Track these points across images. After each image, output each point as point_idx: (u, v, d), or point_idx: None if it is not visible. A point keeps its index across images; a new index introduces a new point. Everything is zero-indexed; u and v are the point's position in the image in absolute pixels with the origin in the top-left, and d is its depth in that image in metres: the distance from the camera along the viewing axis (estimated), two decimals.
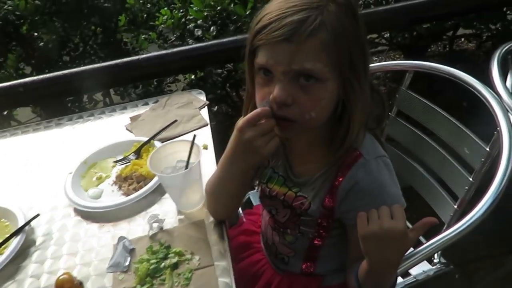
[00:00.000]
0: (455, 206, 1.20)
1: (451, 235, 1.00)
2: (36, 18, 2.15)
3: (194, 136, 0.99)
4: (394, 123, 1.42)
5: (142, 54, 1.91)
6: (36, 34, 2.46)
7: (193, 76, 2.24)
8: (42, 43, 2.44)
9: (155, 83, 2.24)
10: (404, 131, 1.39)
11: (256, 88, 0.84)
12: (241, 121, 0.81)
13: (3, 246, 1.04)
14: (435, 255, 1.28)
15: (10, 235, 1.05)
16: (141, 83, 2.23)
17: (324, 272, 1.01)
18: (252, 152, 0.81)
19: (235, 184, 0.92)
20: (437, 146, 1.27)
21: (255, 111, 0.80)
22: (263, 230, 1.12)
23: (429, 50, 3.03)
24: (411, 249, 1.27)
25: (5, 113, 2.29)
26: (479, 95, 1.15)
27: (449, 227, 1.18)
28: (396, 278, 0.93)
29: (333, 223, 0.93)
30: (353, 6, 0.79)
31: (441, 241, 1.00)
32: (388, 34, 2.73)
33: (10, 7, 1.96)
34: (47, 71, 2.40)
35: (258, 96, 0.83)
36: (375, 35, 2.69)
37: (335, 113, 0.83)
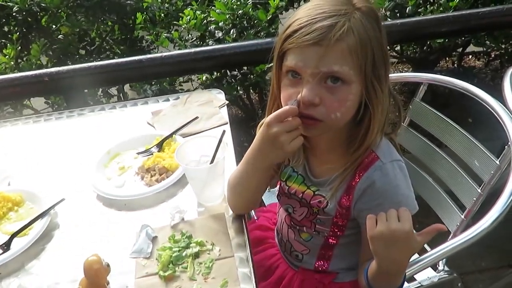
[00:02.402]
0: (462, 216, 1.24)
1: (456, 244, 1.04)
2: (59, 11, 2.19)
3: (224, 131, 1.04)
4: (406, 133, 1.47)
5: (159, 52, 1.97)
6: (54, 26, 2.52)
7: (205, 77, 2.29)
8: (61, 35, 2.48)
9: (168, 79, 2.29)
10: (415, 141, 1.43)
11: (282, 90, 0.89)
12: (269, 117, 0.85)
13: (28, 228, 1.08)
14: (440, 263, 1.32)
15: (35, 218, 1.09)
16: (155, 81, 2.28)
17: (337, 270, 1.05)
18: (277, 147, 0.86)
19: (257, 179, 0.96)
20: (447, 157, 1.31)
21: (283, 108, 0.85)
22: (278, 227, 1.17)
23: (438, 65, 3.08)
24: (417, 255, 1.32)
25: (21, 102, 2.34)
26: (491, 110, 1.20)
27: (454, 236, 1.23)
28: (404, 280, 0.97)
29: (348, 223, 0.97)
30: (377, 15, 0.86)
31: (446, 249, 1.04)
32: (399, 47, 2.78)
33: None
34: (63, 63, 2.45)
35: (284, 96, 0.88)
36: None
37: (357, 116, 0.88)
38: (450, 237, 1.25)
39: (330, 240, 1.02)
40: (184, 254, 0.96)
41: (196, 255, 0.96)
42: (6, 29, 2.46)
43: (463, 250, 1.03)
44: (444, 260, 1.31)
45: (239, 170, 0.99)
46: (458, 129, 1.28)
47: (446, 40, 2.23)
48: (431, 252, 1.06)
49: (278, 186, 1.09)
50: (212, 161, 1.02)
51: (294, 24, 0.83)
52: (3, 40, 2.25)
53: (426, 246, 1.40)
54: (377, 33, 0.83)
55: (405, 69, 3.33)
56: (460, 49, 2.82)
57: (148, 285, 0.91)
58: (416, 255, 1.34)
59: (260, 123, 0.90)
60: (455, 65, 3.03)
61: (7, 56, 1.91)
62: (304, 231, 1.05)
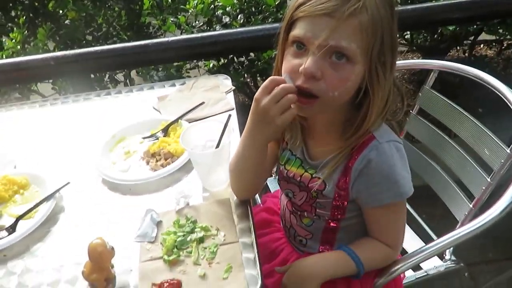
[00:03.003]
0: (471, 206, 1.22)
1: (463, 233, 1.02)
2: None
3: (229, 116, 1.02)
4: (414, 121, 1.45)
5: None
6: (61, 11, 2.50)
7: (212, 64, 2.27)
8: (67, 21, 2.48)
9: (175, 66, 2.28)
10: (424, 129, 1.41)
11: (285, 61, 0.87)
12: (257, 91, 0.84)
13: (34, 211, 1.08)
14: (447, 252, 1.30)
15: (41, 201, 1.09)
16: (162, 66, 2.27)
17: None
18: (268, 122, 0.85)
19: (254, 158, 0.95)
20: (457, 145, 1.29)
21: (270, 78, 0.83)
22: (281, 213, 1.16)
23: (448, 54, 3.04)
24: (423, 244, 1.31)
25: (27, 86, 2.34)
26: (503, 97, 1.17)
27: (462, 225, 1.21)
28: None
29: (348, 205, 0.97)
30: (392, 0, 0.83)
31: (453, 238, 1.03)
32: (409, 35, 2.74)
33: None
34: (69, 48, 2.44)
35: (286, 67, 0.86)
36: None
37: (355, 99, 0.87)
38: (458, 226, 1.24)
39: (332, 224, 1.01)
40: (188, 239, 0.95)
41: (201, 240, 0.95)
42: (13, 13, 2.46)
43: (470, 240, 1.02)
44: (451, 249, 1.30)
45: (237, 152, 0.97)
46: (468, 117, 1.25)
47: (458, 27, 2.19)
48: (438, 241, 1.04)
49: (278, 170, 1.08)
50: (217, 146, 1.01)
51: None
52: (9, 25, 2.24)
53: (432, 234, 1.39)
54: (389, 18, 0.82)
55: (415, 57, 3.29)
56: (471, 38, 2.78)
57: (152, 269, 0.90)
58: (422, 243, 1.34)
59: (255, 97, 0.87)
60: (466, 54, 2.98)
61: (14, 41, 1.90)
62: (305, 216, 1.04)
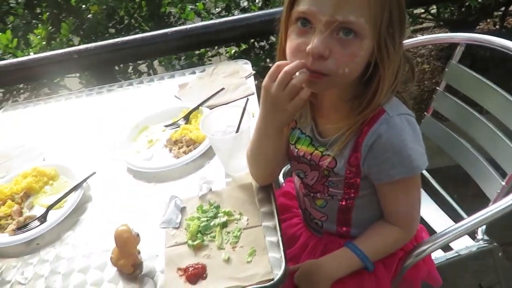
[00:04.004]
0: (503, 183, 1.18)
1: (495, 210, 0.99)
2: None
3: (247, 100, 1.01)
4: (442, 98, 1.40)
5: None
6: (84, 6, 2.54)
7: (233, 50, 2.26)
8: (90, 15, 2.51)
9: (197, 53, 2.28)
10: (452, 106, 1.36)
11: (289, 40, 0.84)
12: (264, 80, 0.83)
13: (63, 200, 1.11)
14: (479, 231, 1.26)
15: (69, 191, 1.12)
16: (184, 55, 2.27)
17: (360, 234, 1.02)
18: (279, 109, 0.83)
19: (270, 145, 0.94)
20: (487, 121, 1.24)
21: (276, 64, 0.81)
22: (296, 195, 1.15)
23: (477, 27, 2.91)
24: (453, 222, 1.27)
25: (55, 81, 2.40)
26: None
27: (495, 203, 1.17)
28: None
29: (361, 183, 0.95)
30: None
31: (485, 215, 0.99)
32: (435, 10, 2.64)
33: None
34: (93, 41, 2.48)
35: (292, 46, 0.82)
36: (421, 10, 2.61)
37: (365, 74, 0.84)
38: (490, 203, 1.20)
39: (345, 203, 0.99)
40: (212, 223, 0.96)
41: (224, 225, 0.96)
42: (38, 10, 2.52)
43: (503, 218, 0.99)
44: (483, 228, 1.26)
45: (253, 141, 0.96)
46: (499, 91, 1.20)
47: None
48: (469, 219, 1.01)
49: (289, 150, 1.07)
50: (237, 131, 1.00)
51: None
52: (33, 21, 2.29)
53: (462, 213, 1.35)
54: None
55: (442, 33, 3.17)
56: (502, 9, 2.65)
57: (177, 254, 0.92)
58: (451, 222, 1.30)
59: (262, 85, 0.86)
60: (497, 26, 2.85)
61: (39, 37, 1.94)
62: (318, 197, 1.03)
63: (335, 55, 0.78)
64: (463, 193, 1.78)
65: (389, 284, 1.01)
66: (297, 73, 0.80)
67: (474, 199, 1.25)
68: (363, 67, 0.83)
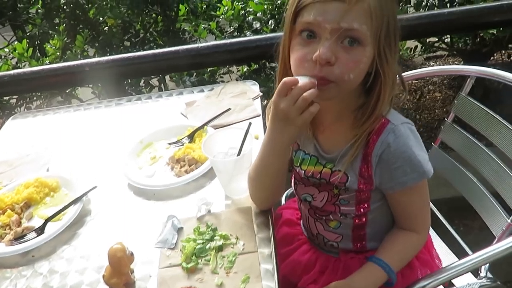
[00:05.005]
0: (509, 220, 1.15)
1: (500, 249, 0.97)
2: (104, 3, 2.25)
3: (250, 124, 1.01)
4: (449, 129, 1.38)
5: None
6: (101, 18, 2.60)
7: (245, 68, 2.28)
8: (107, 27, 2.56)
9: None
10: (460, 138, 1.34)
11: (293, 52, 0.85)
12: (274, 96, 0.84)
13: (62, 213, 1.11)
14: (482, 269, 1.23)
15: (69, 204, 1.12)
16: (195, 71, 2.30)
17: (375, 247, 1.02)
18: (289, 123, 0.84)
19: (275, 164, 0.93)
20: (495, 156, 1.22)
21: (283, 80, 0.82)
22: (304, 223, 1.14)
23: (491, 58, 2.90)
24: (456, 258, 1.24)
25: (68, 91, 2.44)
26: None
27: (499, 241, 1.14)
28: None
29: (371, 195, 0.96)
30: None
31: (489, 254, 0.97)
32: (449, 39, 2.64)
33: None
34: (108, 54, 2.53)
35: (297, 56, 0.84)
36: (435, 39, 2.60)
37: (365, 85, 0.87)
38: (495, 241, 1.17)
39: (359, 220, 1.00)
40: (208, 246, 0.95)
41: (220, 248, 0.94)
42: (57, 20, 2.58)
43: (508, 256, 0.96)
44: (487, 265, 1.23)
45: (257, 159, 0.96)
46: (508, 126, 1.18)
47: (501, 30, 2.08)
48: (473, 256, 0.99)
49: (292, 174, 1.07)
50: (238, 154, 1.00)
51: None
52: (50, 32, 2.35)
53: (467, 249, 1.32)
54: (392, 2, 0.84)
55: (456, 62, 3.17)
56: None
57: (170, 276, 0.91)
58: (455, 258, 1.27)
59: (268, 105, 0.88)
60: (511, 58, 2.83)
61: (54, 47, 1.98)
62: (331, 219, 1.02)
63: (341, 61, 0.80)
64: (468, 225, 1.74)
65: None
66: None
67: (480, 232, 1.22)
68: (364, 74, 0.85)
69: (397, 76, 0.91)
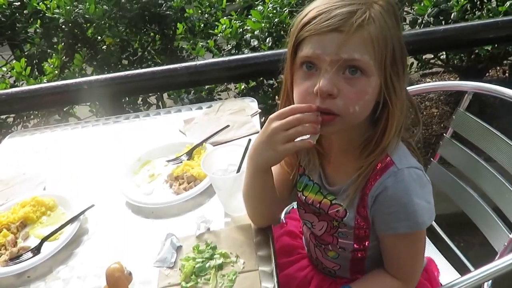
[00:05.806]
0: (510, 236, 1.14)
1: (503, 265, 0.96)
2: (102, 22, 2.27)
3: (249, 140, 1.01)
4: (448, 145, 1.38)
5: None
6: (100, 37, 2.61)
7: (243, 86, 2.28)
8: (105, 46, 2.58)
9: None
10: (459, 153, 1.34)
11: (295, 85, 0.84)
12: (275, 113, 0.83)
13: (58, 232, 1.09)
14: (485, 285, 1.22)
15: (66, 223, 1.11)
16: (193, 89, 2.30)
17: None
18: (271, 147, 0.82)
19: (257, 185, 0.92)
20: (494, 171, 1.22)
21: (291, 106, 0.81)
22: (306, 243, 1.13)
23: (487, 74, 2.92)
24: (458, 275, 1.23)
25: (65, 109, 2.44)
26: None
27: (501, 257, 1.13)
28: None
29: (370, 234, 0.93)
30: (395, 9, 0.82)
31: (491, 270, 0.96)
32: (445, 55, 2.66)
33: (80, 11, 2.09)
34: (106, 72, 2.53)
35: (300, 90, 0.82)
36: (430, 56, 2.63)
37: (373, 115, 0.84)
38: (497, 257, 1.16)
39: (358, 254, 0.97)
40: (207, 265, 0.93)
41: (220, 267, 0.93)
42: (55, 39, 2.59)
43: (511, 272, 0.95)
44: (489, 282, 1.21)
45: (244, 180, 0.95)
46: (507, 141, 1.18)
47: (496, 47, 2.11)
48: (475, 273, 0.98)
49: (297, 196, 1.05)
50: (238, 171, 0.99)
51: (311, 11, 0.79)
52: (48, 51, 2.35)
53: (469, 265, 1.30)
54: (396, 27, 0.81)
55: (451, 78, 3.19)
56: (511, 57, 2.66)
57: None
58: (457, 275, 1.26)
59: (269, 117, 0.85)
60: (507, 74, 2.86)
61: (52, 66, 1.99)
62: (330, 249, 1.00)
63: (344, 94, 0.78)
64: (468, 241, 1.72)
65: None
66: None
67: (480, 248, 1.21)
68: (372, 105, 0.82)
69: (410, 102, 0.87)
